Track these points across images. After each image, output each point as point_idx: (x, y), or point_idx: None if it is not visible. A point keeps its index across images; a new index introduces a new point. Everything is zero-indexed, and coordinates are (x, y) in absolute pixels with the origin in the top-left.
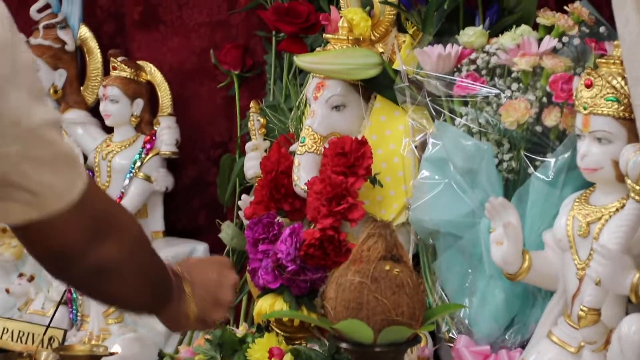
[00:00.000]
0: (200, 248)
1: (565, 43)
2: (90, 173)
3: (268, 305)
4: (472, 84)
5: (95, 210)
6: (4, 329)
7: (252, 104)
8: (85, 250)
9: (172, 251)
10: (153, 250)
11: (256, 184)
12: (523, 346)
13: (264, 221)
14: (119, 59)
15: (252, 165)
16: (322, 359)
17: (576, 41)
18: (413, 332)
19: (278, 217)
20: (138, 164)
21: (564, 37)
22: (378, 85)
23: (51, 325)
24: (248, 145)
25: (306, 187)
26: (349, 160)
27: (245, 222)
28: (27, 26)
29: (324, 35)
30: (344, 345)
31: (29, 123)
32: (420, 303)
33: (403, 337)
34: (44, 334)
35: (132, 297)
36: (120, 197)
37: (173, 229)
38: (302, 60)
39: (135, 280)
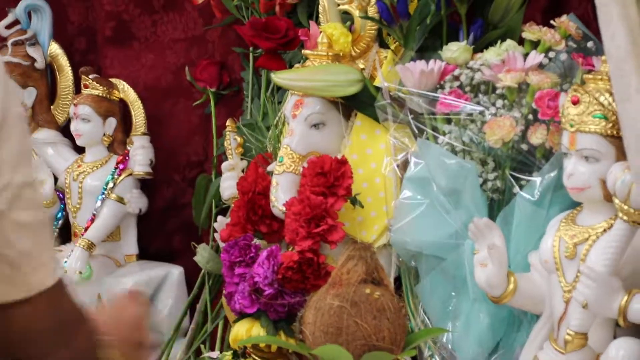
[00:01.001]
0: (175, 272)
1: (552, 58)
2: (61, 195)
3: (245, 331)
4: (456, 101)
5: (63, 312)
6: None
7: (228, 123)
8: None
9: (145, 275)
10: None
11: (233, 205)
12: None
13: (240, 244)
14: (91, 76)
15: (228, 185)
16: None
17: (563, 56)
18: (394, 357)
19: (255, 240)
20: (110, 185)
21: (550, 52)
22: (359, 103)
23: None
24: (224, 165)
25: (284, 208)
26: (329, 180)
27: (222, 244)
28: None
29: (302, 51)
30: None
31: (14, 181)
32: (401, 327)
33: None
34: None
35: None
36: (92, 220)
37: (147, 252)
38: (279, 77)
39: None
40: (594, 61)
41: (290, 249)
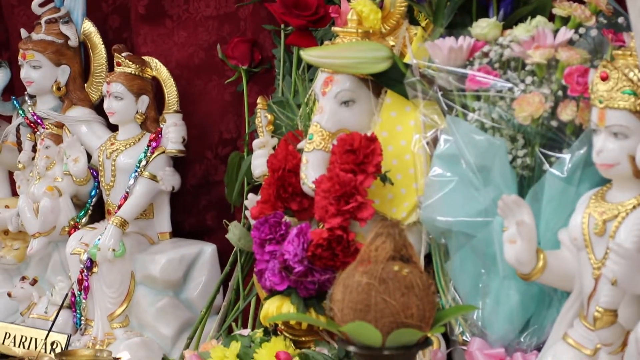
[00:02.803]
0: (207, 249)
1: (582, 34)
2: (94, 172)
3: (275, 308)
4: (485, 78)
5: None
6: (5, 334)
7: (259, 100)
8: None
9: (179, 252)
10: None
11: (263, 183)
12: (539, 349)
13: (270, 221)
14: (124, 54)
15: (259, 163)
16: None
17: (593, 32)
18: (423, 334)
19: (285, 217)
20: (143, 162)
21: (580, 28)
22: (388, 80)
23: (54, 330)
24: (255, 142)
25: (314, 186)
26: (358, 157)
27: (253, 222)
28: (29, 21)
29: (332, 28)
30: (351, 348)
31: None
32: (430, 305)
33: (413, 340)
34: (46, 339)
35: None
36: (125, 197)
37: (180, 230)
38: (309, 54)
39: None
40: (625, 37)
41: (320, 227)
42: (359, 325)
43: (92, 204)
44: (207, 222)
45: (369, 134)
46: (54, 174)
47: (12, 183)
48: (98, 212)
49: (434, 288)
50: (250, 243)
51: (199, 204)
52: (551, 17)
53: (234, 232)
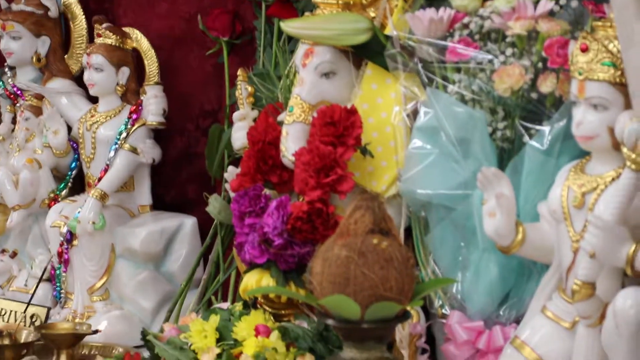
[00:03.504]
0: (188, 222)
1: (562, 6)
2: (74, 144)
3: (255, 281)
4: (465, 49)
5: None
6: None
7: (239, 72)
8: None
9: (159, 225)
10: None
11: (243, 155)
12: (518, 321)
13: (250, 194)
14: (104, 25)
15: (239, 136)
16: (310, 336)
17: (574, 4)
18: (402, 307)
19: (265, 190)
20: (124, 135)
21: None
22: (368, 52)
23: (34, 303)
24: (235, 114)
25: (294, 158)
26: (338, 129)
27: (233, 194)
28: None
29: None
30: (330, 321)
31: None
32: (409, 278)
33: (392, 313)
34: (24, 311)
35: None
36: (106, 170)
37: (161, 203)
38: (289, 26)
39: None
40: (605, 8)
41: (300, 199)
42: (338, 299)
43: (72, 176)
44: (188, 194)
45: (349, 106)
46: (33, 146)
47: None
48: (78, 184)
49: (413, 261)
50: (230, 216)
51: (179, 177)
52: None
53: (214, 205)
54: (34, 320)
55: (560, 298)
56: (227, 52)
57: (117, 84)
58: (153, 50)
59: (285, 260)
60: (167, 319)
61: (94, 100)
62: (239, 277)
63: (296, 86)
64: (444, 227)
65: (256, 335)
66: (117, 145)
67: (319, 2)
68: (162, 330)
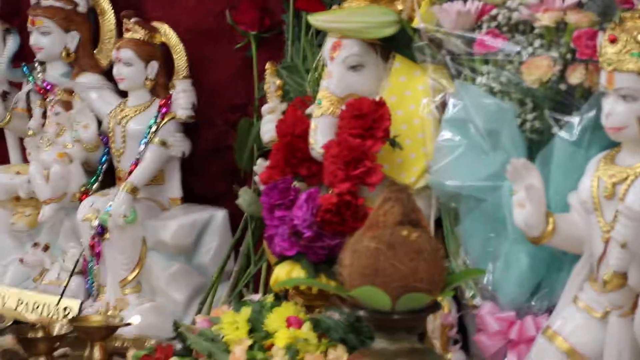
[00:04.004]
0: (219, 214)
1: None
2: (105, 139)
3: (285, 273)
4: (493, 41)
5: None
6: (18, 300)
7: (267, 65)
8: None
9: (190, 218)
10: None
11: (272, 148)
12: (550, 312)
13: (279, 186)
14: (132, 20)
15: (268, 129)
16: (341, 327)
17: None
18: (433, 299)
19: (295, 182)
20: (153, 129)
21: None
22: (396, 44)
23: (67, 296)
24: (264, 108)
25: (323, 151)
26: (367, 122)
27: (262, 187)
28: None
29: None
30: (361, 312)
31: None
32: (439, 269)
33: (422, 304)
34: (57, 304)
35: None
36: (136, 164)
37: (191, 195)
38: (316, 19)
39: None
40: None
41: (329, 192)
42: (368, 290)
43: (103, 170)
44: (218, 187)
45: (377, 99)
46: (64, 141)
47: (23, 150)
48: (109, 178)
49: (443, 252)
50: (260, 208)
51: (209, 170)
52: None
53: (244, 197)
54: (66, 313)
55: (591, 288)
56: (256, 46)
57: (146, 78)
58: (182, 45)
59: (315, 252)
60: (199, 311)
61: (123, 94)
62: (270, 270)
63: (324, 79)
64: (473, 219)
65: (288, 327)
66: (147, 139)
67: None
68: (194, 322)
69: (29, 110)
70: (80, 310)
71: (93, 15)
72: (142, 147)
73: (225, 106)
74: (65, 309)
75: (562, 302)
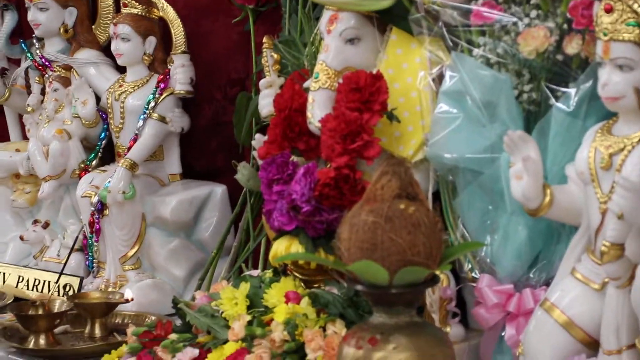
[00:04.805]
0: (218, 190)
1: None
2: (103, 115)
3: (284, 248)
4: (489, 12)
5: None
6: (19, 277)
7: (265, 39)
8: None
9: (189, 194)
10: None
11: (270, 123)
12: (548, 284)
13: (277, 161)
14: None
15: (266, 103)
16: (340, 302)
17: None
18: (431, 272)
19: (293, 157)
20: (152, 104)
21: None
22: (393, 17)
23: (67, 272)
24: (262, 82)
25: (320, 125)
26: (364, 95)
27: (261, 162)
28: None
29: None
30: (359, 287)
31: None
32: (437, 242)
33: (420, 278)
34: (57, 282)
35: None
36: (135, 139)
37: (191, 171)
38: None
39: None
40: None
41: (327, 166)
42: (366, 264)
43: (102, 146)
44: (217, 162)
45: (374, 72)
46: (63, 117)
47: (22, 127)
48: (108, 154)
49: (441, 225)
50: (259, 183)
51: (209, 145)
52: None
53: (242, 172)
54: (67, 290)
55: (589, 260)
56: (253, 20)
57: (144, 54)
58: (179, 20)
59: (314, 226)
60: (198, 287)
61: (122, 70)
62: (269, 245)
63: (321, 52)
64: (471, 191)
65: (286, 302)
66: (145, 115)
67: None
68: (193, 299)
69: (27, 87)
70: (80, 287)
71: None
72: (141, 122)
73: (223, 81)
74: (65, 286)
75: (560, 274)
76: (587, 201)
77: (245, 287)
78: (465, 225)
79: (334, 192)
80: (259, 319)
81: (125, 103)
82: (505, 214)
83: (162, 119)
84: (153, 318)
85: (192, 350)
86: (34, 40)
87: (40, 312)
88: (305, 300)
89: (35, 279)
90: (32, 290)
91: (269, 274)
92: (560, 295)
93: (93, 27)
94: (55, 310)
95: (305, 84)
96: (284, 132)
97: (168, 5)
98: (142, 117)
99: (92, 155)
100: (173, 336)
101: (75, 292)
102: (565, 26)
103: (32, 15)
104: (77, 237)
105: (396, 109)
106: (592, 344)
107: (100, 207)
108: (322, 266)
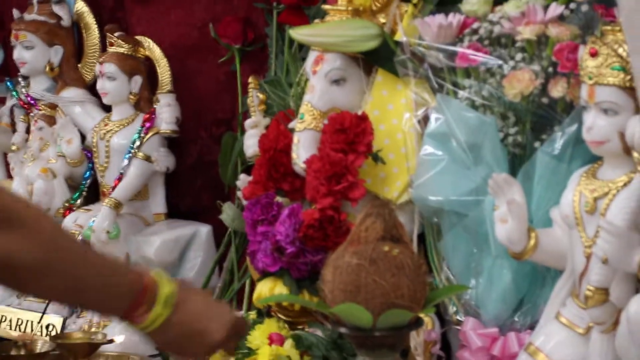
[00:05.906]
0: (203, 230)
1: (573, 10)
2: (88, 154)
3: (268, 289)
4: (475, 55)
5: None
6: (1, 317)
7: (250, 80)
8: None
9: (174, 234)
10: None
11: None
12: (533, 327)
13: (262, 202)
14: (116, 34)
15: (251, 143)
16: (323, 344)
17: (584, 7)
18: (414, 315)
19: (277, 197)
20: (137, 143)
21: (571, 3)
22: (378, 58)
23: (49, 312)
24: (247, 122)
25: (305, 166)
26: (349, 136)
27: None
28: (22, 1)
29: (323, 6)
30: (343, 329)
31: None
32: (421, 285)
33: (404, 321)
34: (40, 321)
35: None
36: (120, 179)
37: (176, 211)
38: (298, 33)
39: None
40: (615, 12)
41: (312, 207)
42: (350, 307)
43: (87, 185)
44: (202, 202)
45: (360, 113)
46: (47, 156)
47: (7, 165)
48: (93, 193)
49: (425, 268)
50: (244, 224)
51: (194, 185)
52: None
53: (227, 213)
54: (49, 330)
55: (574, 304)
56: (240, 60)
57: (130, 93)
58: (165, 59)
59: (298, 268)
60: None
61: (107, 109)
62: (253, 285)
63: (307, 93)
64: (456, 234)
65: (270, 344)
66: (130, 154)
67: (328, 8)
68: None
69: (12, 125)
70: (63, 327)
71: (77, 30)
72: (126, 162)
73: (209, 120)
74: (48, 326)
75: (544, 317)
76: (572, 245)
77: None
78: (450, 267)
79: (319, 234)
80: None
81: (110, 142)
82: (490, 257)
83: (148, 158)
84: (136, 359)
85: None
86: (20, 79)
87: (22, 352)
88: (289, 342)
89: (18, 319)
90: (15, 330)
91: (253, 315)
92: (545, 339)
93: (79, 65)
94: (38, 351)
95: (291, 125)
96: (269, 172)
97: (154, 44)
98: (127, 156)
99: (77, 194)
100: None
101: (58, 332)
102: (550, 69)
103: (18, 54)
104: None
105: (381, 150)
106: None
107: None
108: (306, 308)
